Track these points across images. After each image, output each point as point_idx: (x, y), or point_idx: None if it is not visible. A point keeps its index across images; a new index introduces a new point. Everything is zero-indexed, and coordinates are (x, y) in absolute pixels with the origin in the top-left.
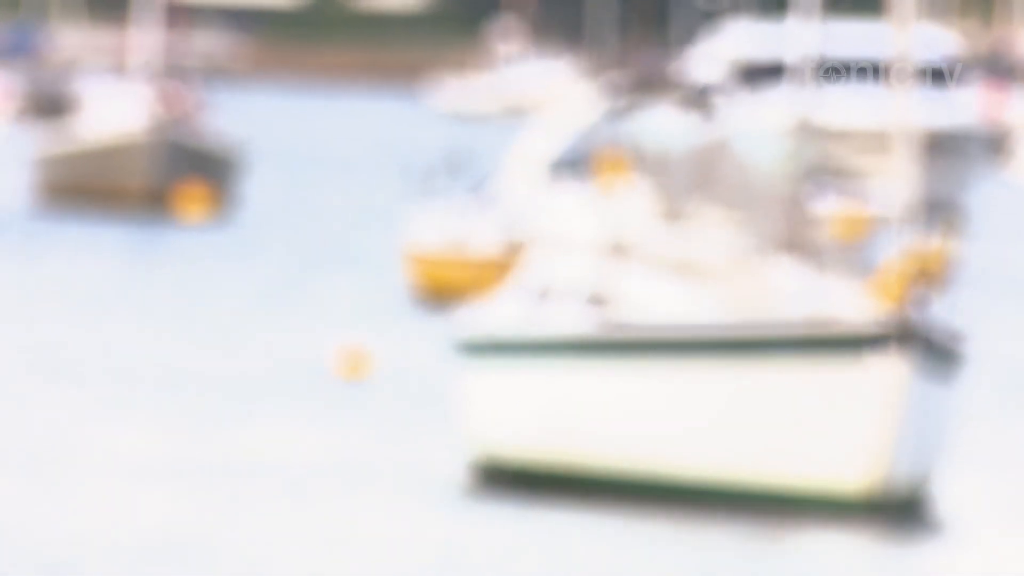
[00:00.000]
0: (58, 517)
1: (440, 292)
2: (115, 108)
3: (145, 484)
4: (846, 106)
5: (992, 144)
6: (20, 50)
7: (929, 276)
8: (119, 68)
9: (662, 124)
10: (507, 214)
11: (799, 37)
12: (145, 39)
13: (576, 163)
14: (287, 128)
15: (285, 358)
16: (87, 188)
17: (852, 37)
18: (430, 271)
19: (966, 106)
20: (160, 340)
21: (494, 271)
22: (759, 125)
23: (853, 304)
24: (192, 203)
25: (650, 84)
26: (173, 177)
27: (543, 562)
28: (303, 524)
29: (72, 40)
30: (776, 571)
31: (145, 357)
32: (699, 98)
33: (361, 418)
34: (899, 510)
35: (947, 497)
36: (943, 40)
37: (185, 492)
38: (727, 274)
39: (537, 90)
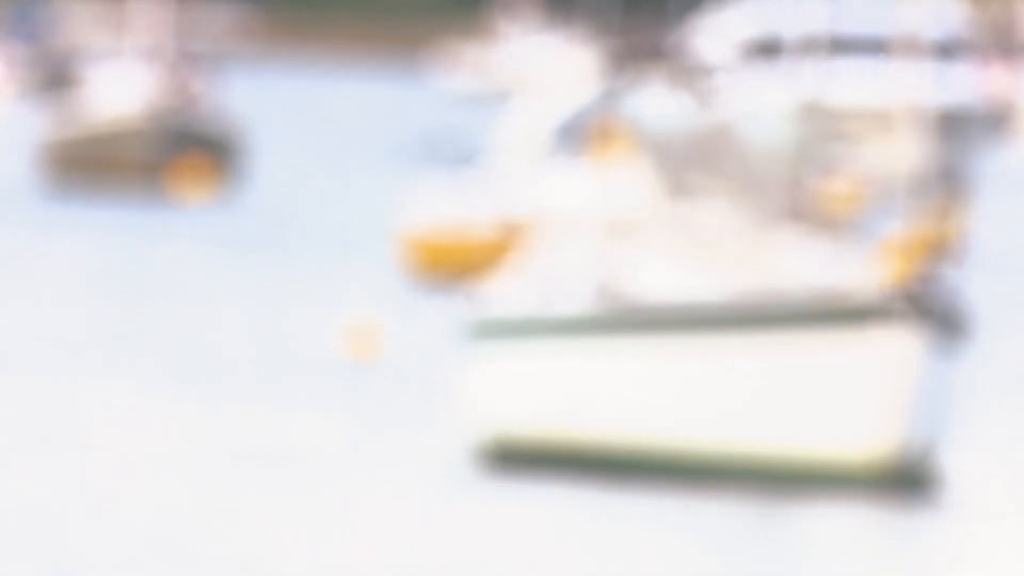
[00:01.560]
0: (63, 502)
1: (439, 272)
2: (119, 89)
3: (150, 468)
4: (852, 84)
5: (997, 121)
6: (26, 33)
7: (937, 248)
8: (124, 48)
9: (661, 104)
10: (504, 192)
11: (807, 15)
12: (150, 18)
13: (574, 138)
14: (291, 108)
15: (291, 339)
16: (89, 171)
17: (859, 14)
18: (427, 251)
19: (971, 83)
20: (161, 322)
21: (492, 250)
22: (764, 105)
23: (861, 276)
24: (194, 185)
25: (647, 55)
26: (175, 159)
27: (555, 543)
28: (311, 506)
29: (77, 18)
30: (787, 546)
31: (148, 340)
32: (692, 77)
33: (370, 399)
34: (908, 482)
35: (956, 471)
36: (950, 15)
37: (195, 475)
38: (734, 249)
39: (541, 66)
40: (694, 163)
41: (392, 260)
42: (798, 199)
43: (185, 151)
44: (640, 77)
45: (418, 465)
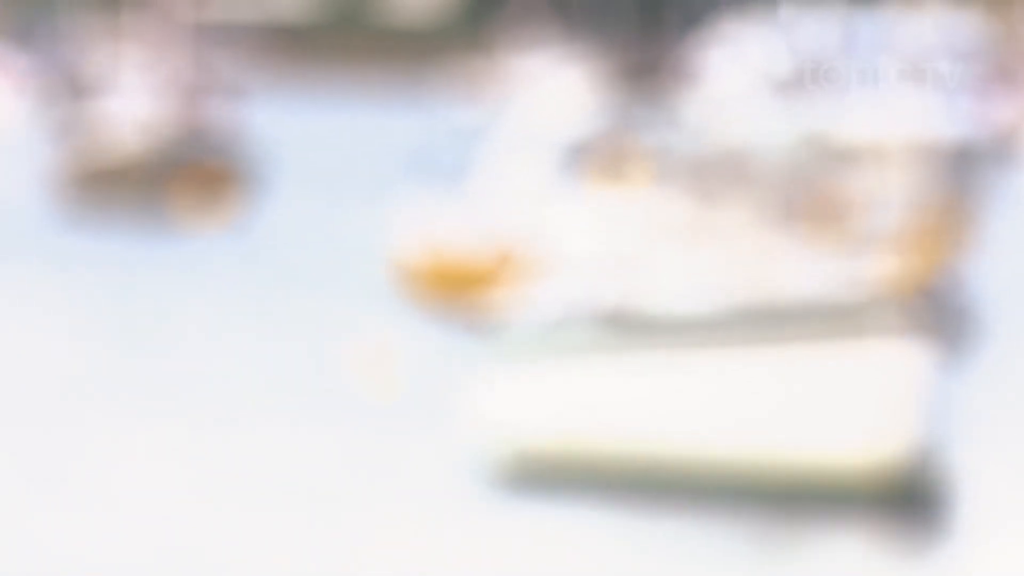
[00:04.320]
0: (64, 530)
1: (439, 295)
2: (130, 112)
3: (158, 494)
4: (859, 112)
5: (1003, 147)
6: (36, 48)
7: (941, 260)
8: (136, 68)
9: (671, 126)
10: (504, 212)
11: (814, 43)
12: (164, 41)
13: (580, 159)
14: (300, 134)
15: (303, 366)
16: (97, 199)
17: (868, 43)
18: (427, 274)
19: (977, 110)
20: (170, 352)
21: (492, 271)
22: (770, 130)
23: (866, 287)
24: (203, 213)
25: (647, 74)
26: (184, 187)
27: (573, 558)
28: (329, 528)
29: (89, 34)
30: (796, 559)
31: (158, 365)
32: (686, 96)
33: (382, 422)
34: (914, 492)
35: (962, 481)
36: (959, 39)
37: (208, 506)
38: (743, 263)
39: (543, 85)
40: (703, 185)
41: (396, 284)
42: (804, 217)
43: (195, 179)
44: (639, 95)
45: (435, 485)
